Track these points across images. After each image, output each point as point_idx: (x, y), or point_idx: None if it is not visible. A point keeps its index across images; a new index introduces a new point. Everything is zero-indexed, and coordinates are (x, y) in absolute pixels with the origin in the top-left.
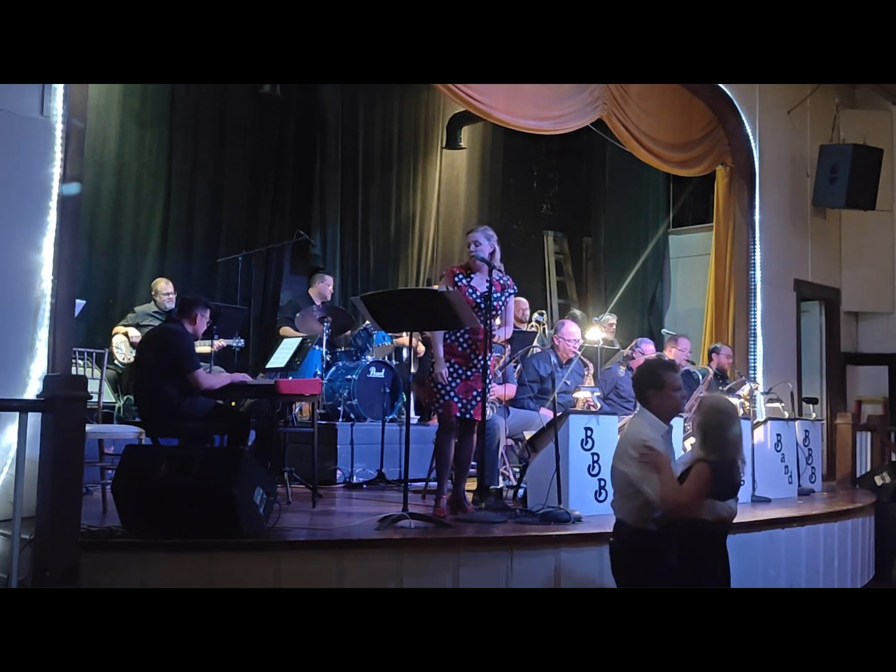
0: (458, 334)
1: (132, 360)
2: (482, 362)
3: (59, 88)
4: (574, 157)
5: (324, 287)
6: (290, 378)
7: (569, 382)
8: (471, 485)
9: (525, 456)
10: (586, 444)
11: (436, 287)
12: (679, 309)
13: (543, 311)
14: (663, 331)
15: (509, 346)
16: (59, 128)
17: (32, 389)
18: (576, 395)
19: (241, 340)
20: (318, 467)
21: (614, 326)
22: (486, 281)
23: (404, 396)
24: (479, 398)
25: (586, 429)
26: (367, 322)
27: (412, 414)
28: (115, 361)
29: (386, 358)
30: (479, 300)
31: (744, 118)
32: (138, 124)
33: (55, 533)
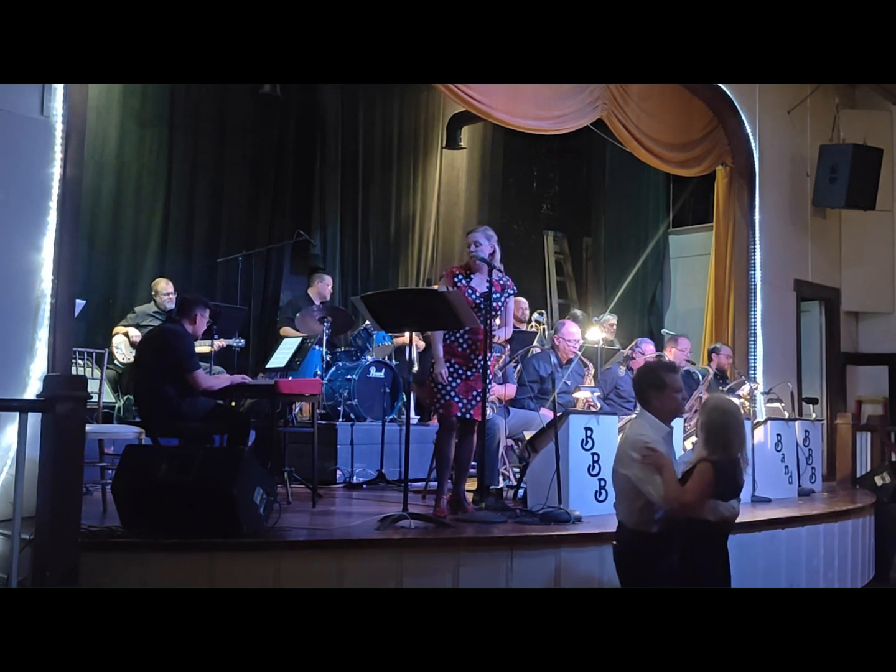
0: (458, 334)
1: (132, 360)
2: (482, 362)
3: (59, 88)
4: (574, 157)
5: (323, 287)
6: (290, 378)
7: (569, 382)
8: (471, 485)
9: (525, 456)
10: (586, 444)
11: (436, 287)
12: (679, 309)
13: (543, 311)
14: (663, 331)
15: (509, 346)
16: (59, 128)
17: (32, 389)
18: (576, 395)
19: (242, 340)
20: (318, 467)
21: (615, 326)
22: (486, 281)
23: (404, 396)
24: (479, 398)
25: (586, 429)
26: (367, 322)
27: (412, 414)
28: (115, 361)
29: (386, 358)
30: (478, 301)
31: (744, 118)
32: (138, 124)
33: (55, 533)
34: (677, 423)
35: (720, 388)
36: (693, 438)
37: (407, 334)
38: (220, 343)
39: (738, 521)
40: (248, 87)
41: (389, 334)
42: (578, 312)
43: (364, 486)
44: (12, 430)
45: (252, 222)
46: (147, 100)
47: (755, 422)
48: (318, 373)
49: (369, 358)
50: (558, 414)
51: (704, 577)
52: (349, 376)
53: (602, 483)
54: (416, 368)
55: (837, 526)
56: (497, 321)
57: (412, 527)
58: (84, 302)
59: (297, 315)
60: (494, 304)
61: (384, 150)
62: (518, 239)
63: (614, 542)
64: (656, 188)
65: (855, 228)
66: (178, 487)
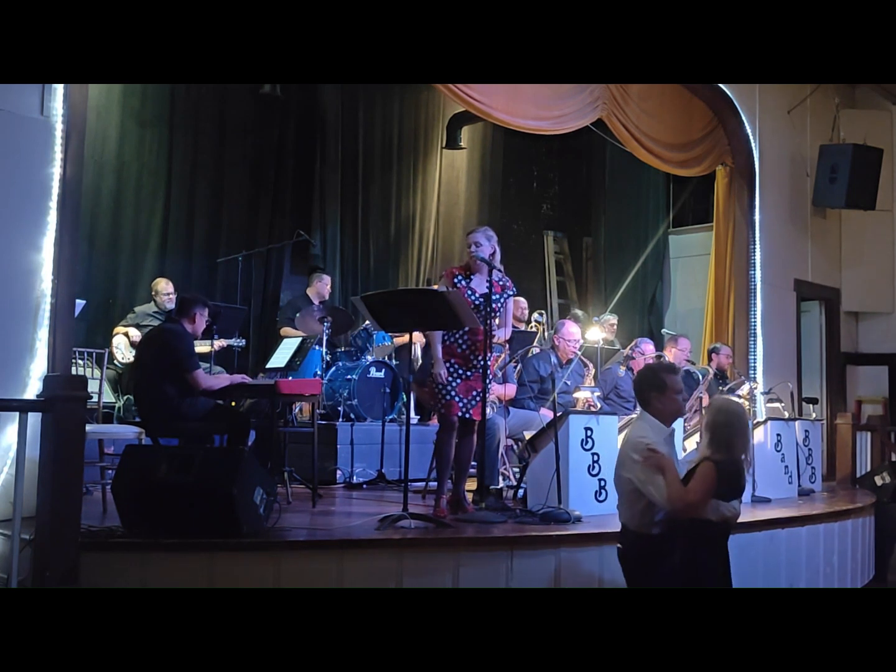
0: (458, 335)
1: (132, 360)
2: (482, 362)
3: (59, 88)
4: (574, 157)
5: (322, 286)
6: (290, 378)
7: (569, 382)
8: (471, 485)
9: (525, 456)
10: (586, 444)
11: (436, 287)
12: (679, 309)
13: (543, 311)
14: (663, 331)
15: (508, 346)
16: (59, 128)
17: (32, 389)
18: (576, 395)
19: (243, 340)
20: (318, 467)
21: (615, 326)
22: (486, 282)
23: (404, 396)
24: (479, 398)
25: (586, 429)
26: (367, 322)
27: (412, 414)
28: (115, 361)
29: (386, 358)
30: (478, 302)
31: (744, 118)
32: (138, 124)
33: (55, 533)
34: (677, 424)
35: (720, 388)
36: (693, 438)
37: (407, 334)
38: (220, 343)
39: (738, 521)
40: (248, 87)
41: (389, 334)
42: (579, 312)
43: (364, 486)
44: (12, 430)
45: (252, 222)
46: (147, 100)
47: (755, 422)
48: (318, 373)
49: (369, 358)
50: (558, 414)
51: (705, 577)
52: (349, 376)
53: (602, 483)
54: (419, 364)
55: (837, 526)
56: (496, 321)
57: (412, 527)
58: (84, 302)
59: (297, 315)
60: (494, 304)
61: (384, 150)
62: (518, 239)
63: (619, 545)
64: (656, 188)
65: (855, 228)
66: (178, 487)
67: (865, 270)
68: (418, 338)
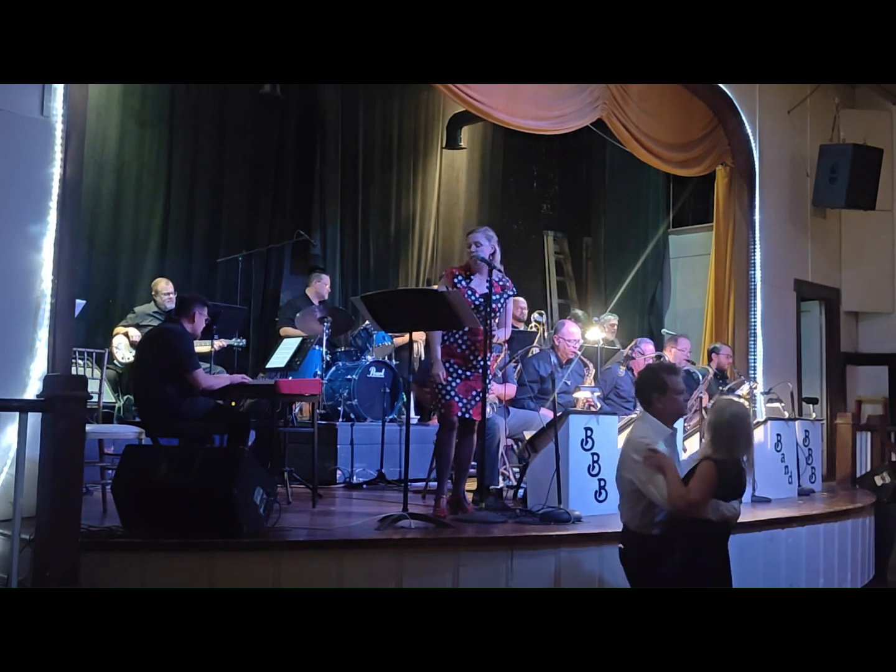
0: (457, 335)
1: (132, 360)
2: (482, 363)
3: (59, 88)
4: (574, 157)
5: (321, 286)
6: (290, 378)
7: (569, 382)
8: (471, 485)
9: (525, 456)
10: (586, 444)
11: (436, 287)
12: (679, 309)
13: (543, 311)
14: (663, 331)
15: (507, 346)
16: (59, 128)
17: (32, 389)
18: (576, 395)
19: (243, 340)
20: (318, 467)
21: (615, 326)
22: (486, 282)
23: (404, 396)
24: (478, 398)
25: (586, 429)
26: (367, 322)
27: (412, 414)
28: (115, 361)
29: (386, 358)
30: (478, 302)
31: (744, 118)
32: (138, 124)
33: (55, 533)
34: (677, 424)
35: (720, 388)
36: (694, 438)
37: (407, 334)
38: (220, 343)
39: (738, 521)
40: (248, 87)
41: (389, 334)
42: (579, 312)
43: (364, 486)
44: (12, 430)
45: (252, 222)
46: (147, 100)
47: (755, 422)
48: (318, 373)
49: (369, 358)
50: (558, 414)
51: (706, 577)
52: (349, 376)
53: (602, 483)
54: (420, 363)
55: (837, 526)
56: (496, 321)
57: (412, 527)
58: (84, 302)
59: (297, 315)
60: (494, 304)
61: (384, 150)
62: (518, 239)
63: (620, 546)
64: (656, 188)
65: (855, 228)
66: (178, 487)
67: (865, 270)
68: (420, 336)
